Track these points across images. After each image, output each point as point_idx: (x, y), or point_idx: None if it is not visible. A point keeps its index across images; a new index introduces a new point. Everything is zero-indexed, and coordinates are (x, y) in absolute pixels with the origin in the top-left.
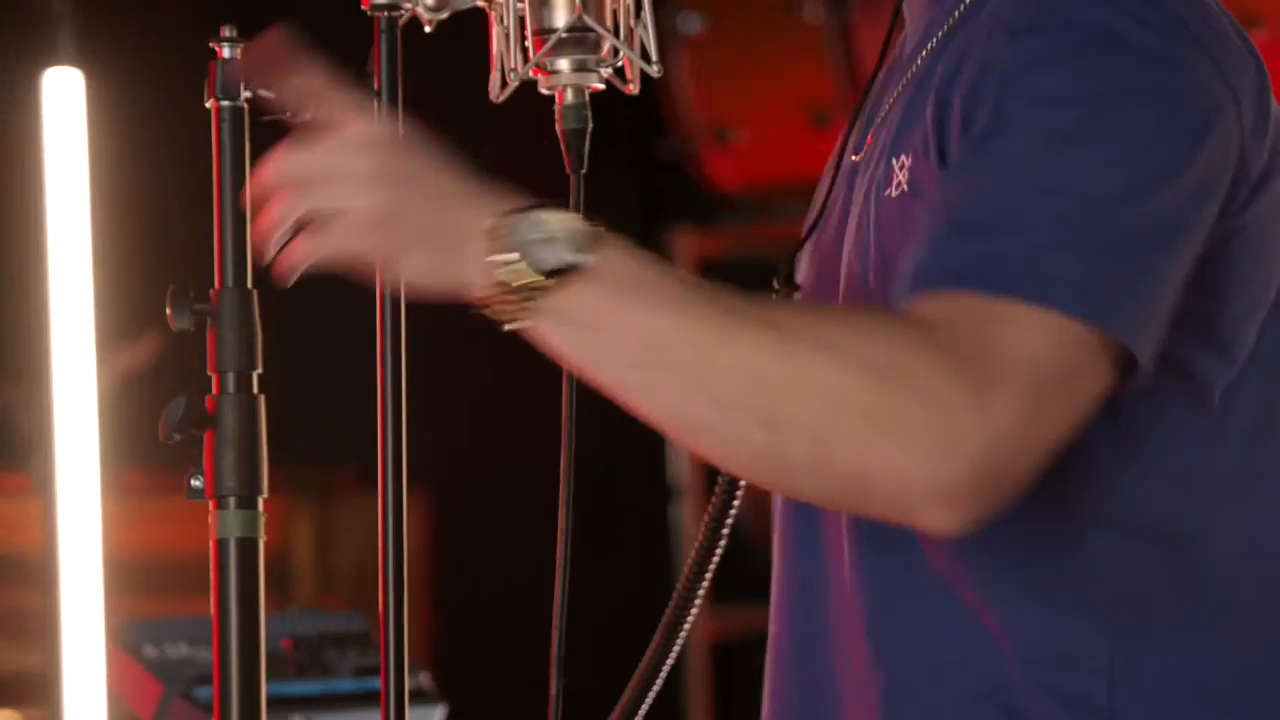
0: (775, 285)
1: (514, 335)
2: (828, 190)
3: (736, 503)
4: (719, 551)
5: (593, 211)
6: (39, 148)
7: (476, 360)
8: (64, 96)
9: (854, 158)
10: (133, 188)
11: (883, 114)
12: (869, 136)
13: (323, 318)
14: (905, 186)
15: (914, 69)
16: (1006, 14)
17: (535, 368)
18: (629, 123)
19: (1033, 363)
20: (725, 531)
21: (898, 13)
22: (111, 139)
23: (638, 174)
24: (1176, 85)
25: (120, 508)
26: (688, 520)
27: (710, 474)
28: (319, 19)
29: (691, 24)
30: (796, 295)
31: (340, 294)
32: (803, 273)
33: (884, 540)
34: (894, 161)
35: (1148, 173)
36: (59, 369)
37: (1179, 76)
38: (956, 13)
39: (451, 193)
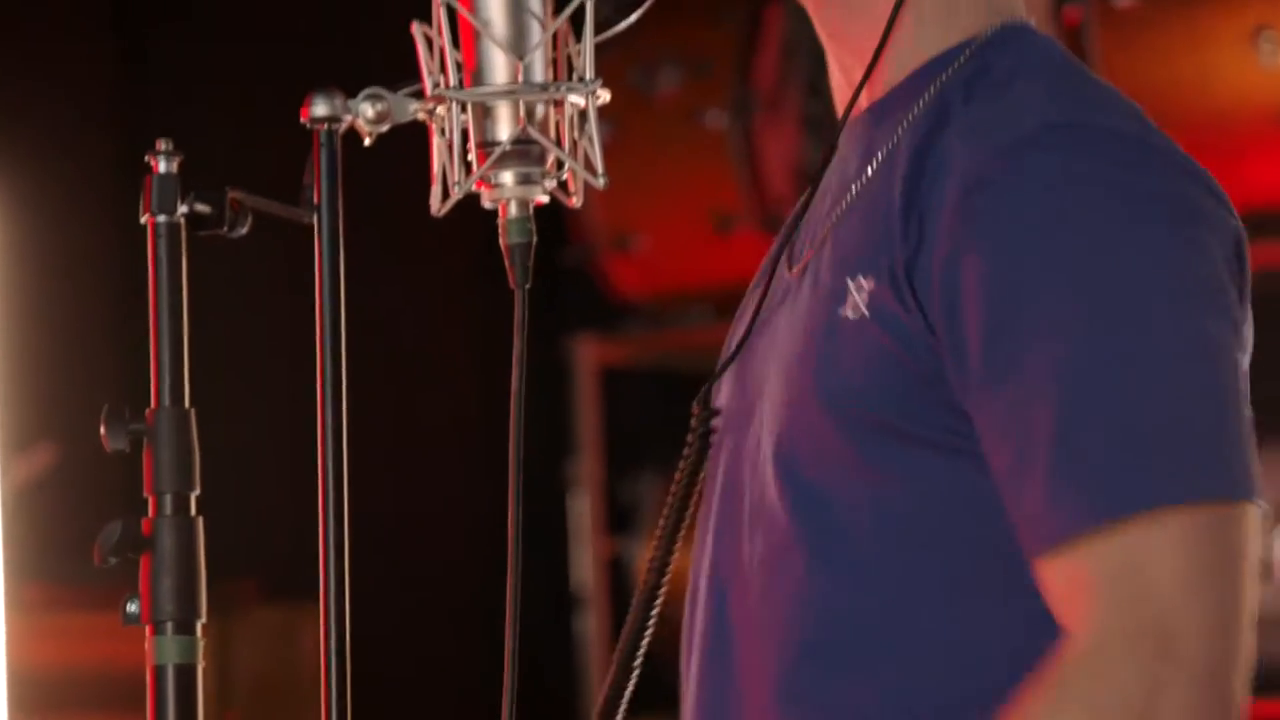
0: (694, 411)
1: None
2: (756, 308)
3: (651, 625)
4: (634, 677)
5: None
6: None
7: (386, 480)
8: None
9: (788, 274)
10: (39, 299)
11: (825, 230)
12: (808, 252)
13: (217, 431)
14: (866, 312)
15: (859, 186)
16: (978, 170)
17: (451, 489)
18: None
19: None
20: (640, 656)
21: (842, 127)
22: (19, 250)
23: (539, 280)
24: (1198, 231)
25: (22, 623)
26: (591, 631)
27: (615, 584)
28: (257, 130)
29: None
30: (718, 419)
31: (230, 407)
32: (726, 394)
33: (804, 698)
34: (850, 281)
35: (1205, 327)
36: None
37: (1199, 222)
38: (899, 133)
39: None
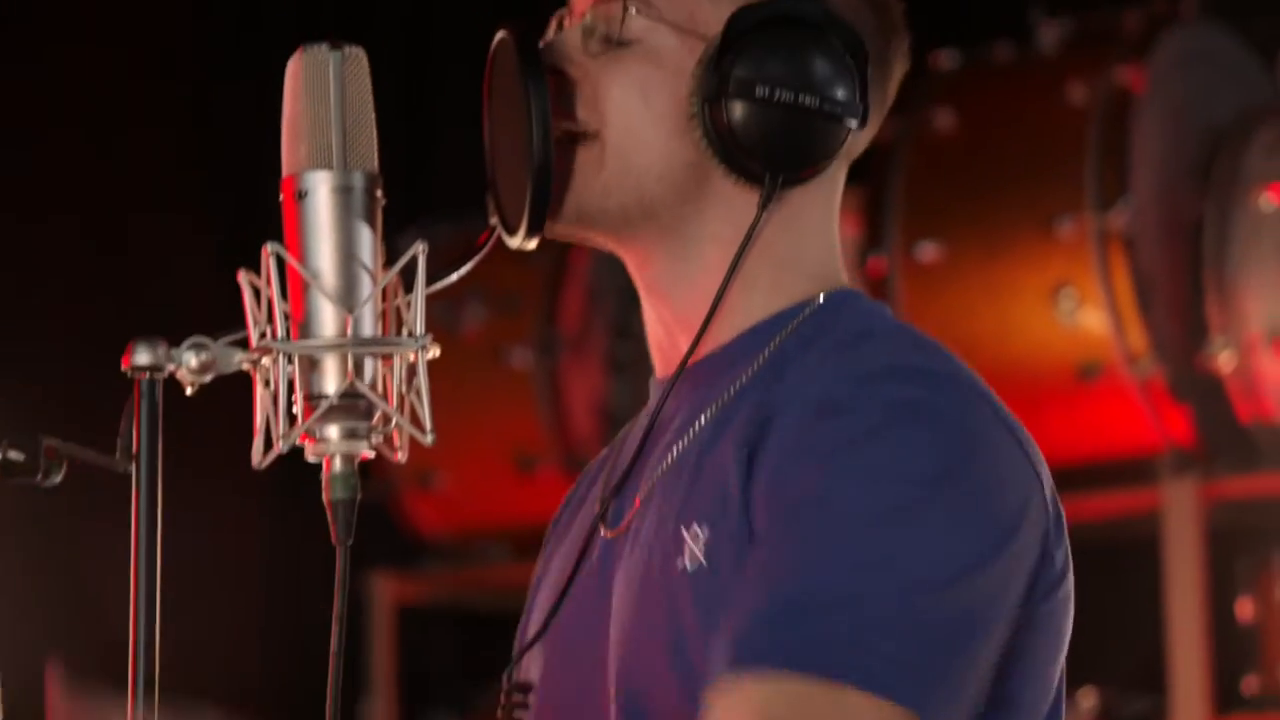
0: (504, 686)
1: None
2: (570, 575)
3: None
4: None
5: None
6: None
7: None
8: None
9: (607, 534)
10: None
11: (650, 487)
12: (630, 511)
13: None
14: (703, 560)
15: (687, 441)
16: (814, 393)
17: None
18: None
19: None
20: None
21: (673, 385)
22: None
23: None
24: (991, 469)
25: None
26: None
27: (404, 672)
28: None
29: None
30: (530, 698)
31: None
32: (538, 665)
33: None
34: (684, 531)
35: (965, 558)
36: None
37: (993, 460)
38: (732, 390)
39: None
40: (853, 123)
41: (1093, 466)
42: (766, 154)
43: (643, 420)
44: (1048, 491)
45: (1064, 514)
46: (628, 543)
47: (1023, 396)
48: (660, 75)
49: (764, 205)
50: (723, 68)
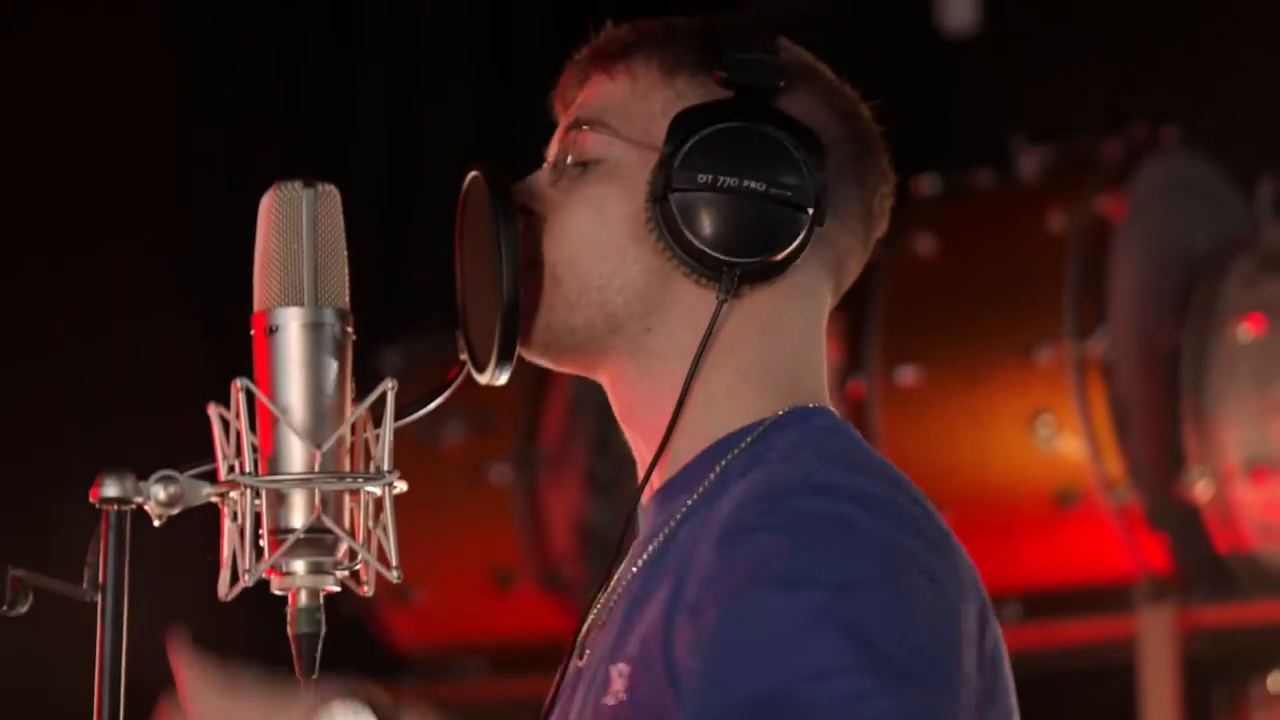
0: None
1: None
2: (549, 704)
3: None
4: None
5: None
6: None
7: None
8: None
9: (579, 663)
10: None
11: (604, 616)
12: (592, 640)
13: None
14: (623, 695)
15: (635, 571)
16: (729, 518)
17: None
18: None
19: None
20: None
21: (635, 510)
22: None
23: None
24: (915, 575)
25: None
26: None
27: None
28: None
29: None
30: None
31: None
32: None
33: None
34: (613, 669)
35: (898, 661)
36: None
37: (918, 567)
38: (676, 519)
39: None
40: (809, 209)
41: (1070, 592)
42: (718, 242)
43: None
44: (975, 622)
45: (999, 635)
46: (584, 674)
47: (1001, 521)
48: (617, 190)
49: (723, 297)
50: (668, 165)
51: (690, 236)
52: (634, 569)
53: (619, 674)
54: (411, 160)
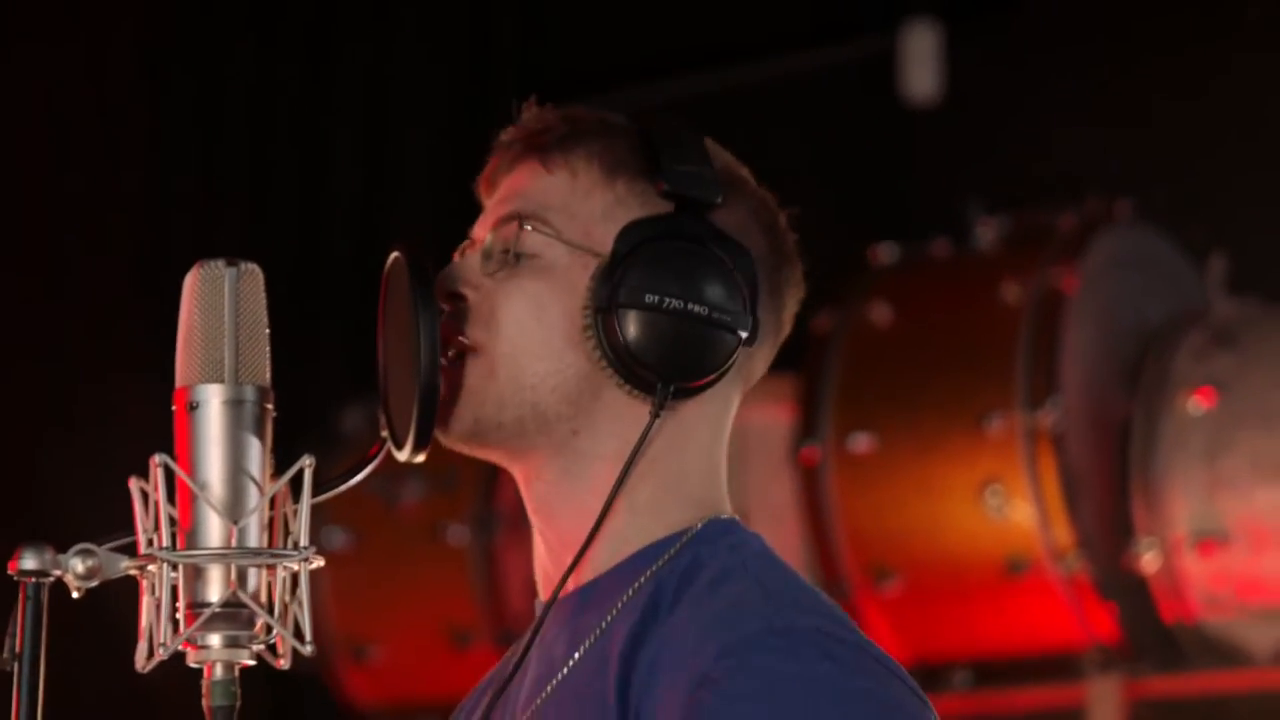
0: None
1: None
2: None
3: None
4: None
5: None
6: None
7: None
8: None
9: None
10: None
11: (530, 713)
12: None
13: None
14: None
15: (567, 670)
16: (690, 662)
17: None
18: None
19: None
20: None
21: (548, 611)
22: None
23: (270, 687)
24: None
25: None
26: None
27: None
28: None
29: (335, 539)
30: None
31: None
32: None
33: None
34: None
35: None
36: None
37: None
38: (604, 624)
39: None
40: (743, 333)
41: (1019, 661)
42: (657, 361)
43: (523, 642)
44: None
45: None
46: None
47: (951, 588)
48: (554, 290)
49: (656, 413)
50: (613, 279)
51: (629, 351)
52: (563, 671)
53: None
54: (382, 221)
